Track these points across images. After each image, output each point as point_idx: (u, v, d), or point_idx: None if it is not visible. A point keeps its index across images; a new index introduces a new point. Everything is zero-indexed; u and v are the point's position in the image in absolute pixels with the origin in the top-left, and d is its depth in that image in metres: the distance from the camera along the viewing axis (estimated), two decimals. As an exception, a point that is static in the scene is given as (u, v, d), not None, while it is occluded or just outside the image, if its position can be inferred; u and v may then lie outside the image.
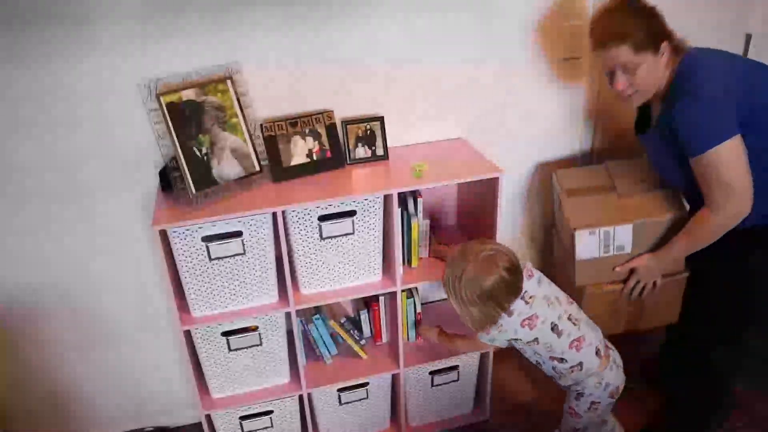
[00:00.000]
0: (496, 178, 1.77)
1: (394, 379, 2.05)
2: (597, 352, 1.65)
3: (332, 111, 1.84)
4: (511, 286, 1.56)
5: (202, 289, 1.70)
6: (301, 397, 1.96)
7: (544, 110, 2.12)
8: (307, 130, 1.81)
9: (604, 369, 1.66)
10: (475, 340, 1.73)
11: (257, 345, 1.84)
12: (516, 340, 1.64)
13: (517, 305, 1.58)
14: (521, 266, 1.59)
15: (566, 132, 2.19)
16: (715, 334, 1.83)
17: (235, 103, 1.68)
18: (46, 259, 1.84)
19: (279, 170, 1.77)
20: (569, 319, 1.63)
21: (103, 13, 1.59)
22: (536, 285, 1.62)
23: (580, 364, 1.64)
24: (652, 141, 1.76)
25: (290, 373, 1.94)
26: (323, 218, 1.71)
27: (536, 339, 1.61)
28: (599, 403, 1.69)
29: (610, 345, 1.73)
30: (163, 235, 1.60)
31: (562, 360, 1.64)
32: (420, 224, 1.88)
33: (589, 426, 1.77)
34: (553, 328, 1.60)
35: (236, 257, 1.68)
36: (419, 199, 1.85)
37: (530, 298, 1.59)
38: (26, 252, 1.81)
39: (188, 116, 1.60)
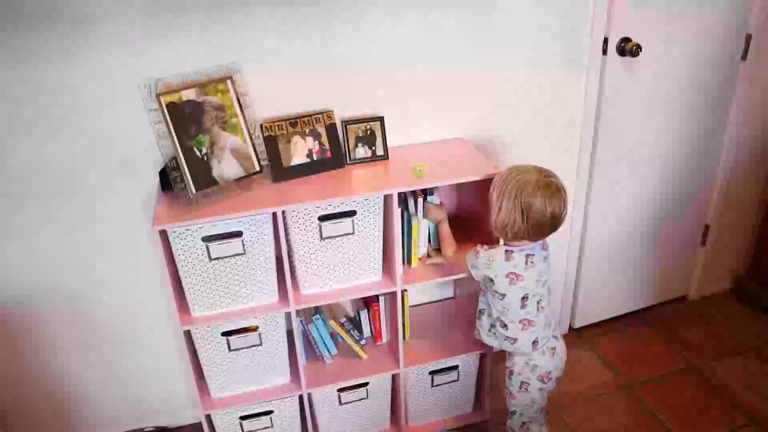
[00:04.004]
0: (496, 178, 1.77)
1: (394, 379, 2.05)
2: (534, 342, 1.69)
3: (332, 111, 1.84)
4: (543, 227, 1.55)
5: (202, 289, 1.70)
6: (301, 397, 1.96)
7: (544, 110, 2.12)
8: (307, 130, 1.81)
9: (534, 351, 1.71)
10: (460, 256, 1.76)
11: (257, 345, 1.84)
12: (491, 281, 1.65)
13: (519, 259, 1.60)
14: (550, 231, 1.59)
15: (566, 132, 2.19)
16: None
17: (235, 103, 1.68)
18: (46, 259, 1.83)
19: (279, 170, 1.77)
20: (538, 302, 1.67)
21: (103, 13, 1.58)
22: (541, 260, 1.66)
23: (515, 339, 1.69)
24: None
25: (290, 373, 1.94)
26: (323, 218, 1.71)
27: (505, 295, 1.64)
28: (529, 384, 1.74)
29: (557, 336, 1.77)
30: (163, 235, 1.60)
31: (504, 326, 1.69)
32: (420, 224, 1.88)
33: (524, 412, 1.81)
34: (523, 298, 1.64)
35: (236, 257, 1.68)
36: (419, 199, 1.85)
37: (531, 263, 1.62)
38: (26, 252, 1.81)
39: (188, 116, 1.60)
